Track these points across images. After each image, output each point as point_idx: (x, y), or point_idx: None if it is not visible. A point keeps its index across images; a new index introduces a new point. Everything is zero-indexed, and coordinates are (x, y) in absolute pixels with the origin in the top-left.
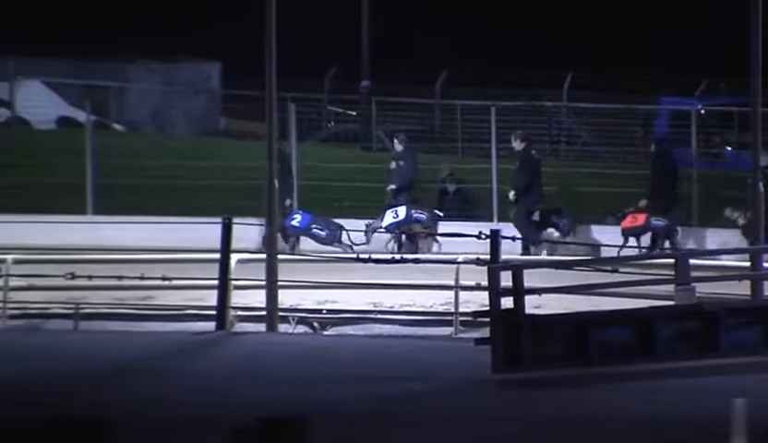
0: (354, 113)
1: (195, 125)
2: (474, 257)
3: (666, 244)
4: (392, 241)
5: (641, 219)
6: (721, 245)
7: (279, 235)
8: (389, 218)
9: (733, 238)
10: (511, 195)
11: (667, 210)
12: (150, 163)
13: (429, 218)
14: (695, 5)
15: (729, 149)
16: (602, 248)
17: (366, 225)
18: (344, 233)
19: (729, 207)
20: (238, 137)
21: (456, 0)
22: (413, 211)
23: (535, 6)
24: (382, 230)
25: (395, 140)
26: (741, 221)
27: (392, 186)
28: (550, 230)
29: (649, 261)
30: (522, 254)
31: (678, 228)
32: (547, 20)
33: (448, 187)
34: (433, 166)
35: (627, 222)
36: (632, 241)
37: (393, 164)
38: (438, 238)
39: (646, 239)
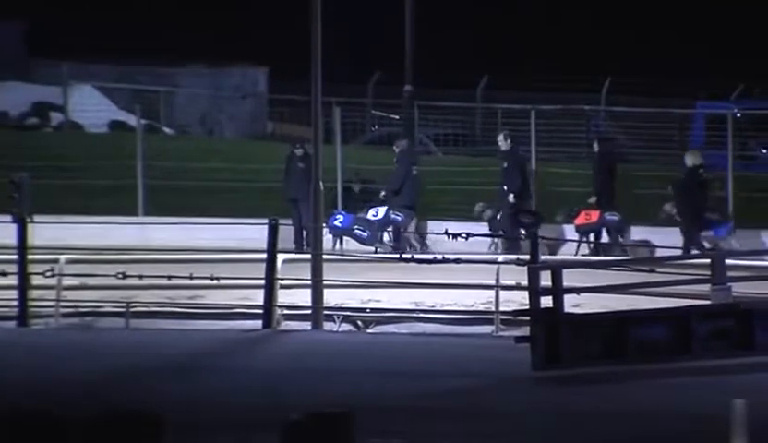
0: (397, 117)
1: (242, 128)
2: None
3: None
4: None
5: (594, 215)
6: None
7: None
8: (370, 217)
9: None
10: (511, 197)
11: (608, 206)
12: (199, 166)
13: (404, 218)
14: (729, 12)
15: (765, 151)
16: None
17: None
18: (386, 233)
19: (668, 203)
20: (284, 141)
21: (497, 6)
22: (390, 212)
23: (574, 12)
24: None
25: (394, 144)
26: (678, 218)
27: (383, 191)
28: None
29: (683, 261)
30: (505, 252)
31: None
32: (586, 26)
33: (353, 187)
34: (466, 168)
35: (581, 219)
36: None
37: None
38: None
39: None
